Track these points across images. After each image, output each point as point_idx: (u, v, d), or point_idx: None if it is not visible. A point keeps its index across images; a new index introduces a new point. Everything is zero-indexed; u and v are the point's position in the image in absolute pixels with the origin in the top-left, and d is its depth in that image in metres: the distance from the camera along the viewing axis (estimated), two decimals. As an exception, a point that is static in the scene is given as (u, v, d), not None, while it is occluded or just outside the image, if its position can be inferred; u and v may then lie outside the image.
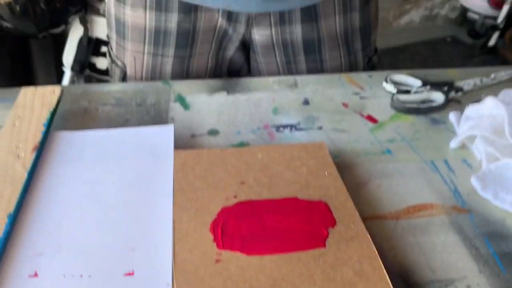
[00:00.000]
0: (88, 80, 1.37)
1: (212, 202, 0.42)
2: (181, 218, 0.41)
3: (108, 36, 0.75)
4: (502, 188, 0.46)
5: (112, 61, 0.73)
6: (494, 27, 2.49)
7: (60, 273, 0.37)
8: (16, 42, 1.32)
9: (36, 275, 0.36)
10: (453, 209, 0.45)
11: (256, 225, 0.40)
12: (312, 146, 0.49)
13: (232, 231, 0.39)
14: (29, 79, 1.40)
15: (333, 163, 0.47)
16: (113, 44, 0.72)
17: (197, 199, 0.42)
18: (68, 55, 1.32)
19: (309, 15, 0.66)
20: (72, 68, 1.33)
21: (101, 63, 1.37)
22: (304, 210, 0.41)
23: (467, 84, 0.63)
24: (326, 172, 0.46)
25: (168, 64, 0.67)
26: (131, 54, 0.68)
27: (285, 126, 0.56)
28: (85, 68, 1.35)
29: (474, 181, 0.47)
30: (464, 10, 2.67)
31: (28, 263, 0.37)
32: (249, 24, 0.66)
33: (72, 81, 1.35)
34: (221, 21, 0.66)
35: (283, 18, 0.66)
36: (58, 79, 1.37)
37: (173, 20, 0.64)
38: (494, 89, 0.63)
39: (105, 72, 1.39)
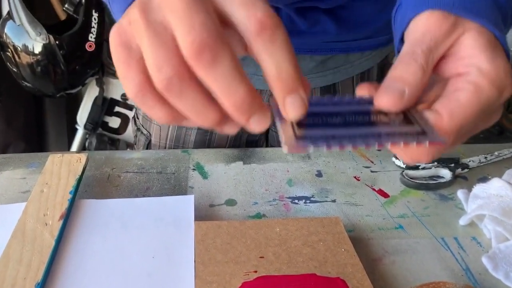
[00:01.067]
0: (100, 138, 1.40)
1: (233, 276, 0.43)
2: (204, 291, 0.42)
3: (136, 106, 0.78)
4: (513, 268, 0.47)
5: (138, 129, 0.77)
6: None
7: None
8: (31, 99, 1.36)
9: None
10: (466, 288, 0.47)
11: (277, 301, 0.41)
12: (328, 221, 0.51)
13: (253, 307, 0.40)
14: (41, 136, 1.43)
15: (349, 239, 0.48)
16: (140, 113, 0.76)
17: (219, 272, 0.44)
18: (83, 114, 1.36)
19: (328, 93, 0.70)
20: (85, 127, 1.36)
21: (114, 122, 1.41)
22: (323, 287, 0.42)
23: (472, 161, 0.65)
24: (343, 249, 0.47)
25: (192, 135, 0.71)
26: (157, 125, 0.72)
27: (300, 198, 0.58)
28: (98, 127, 1.39)
29: (485, 261, 0.49)
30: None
31: (54, 334, 0.38)
32: (270, 99, 0.70)
33: (84, 139, 1.38)
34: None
35: None
36: (69, 137, 1.41)
37: None
38: (498, 165, 0.65)
39: (117, 131, 1.42)
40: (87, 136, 1.37)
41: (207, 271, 0.44)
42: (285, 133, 0.29)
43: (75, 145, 1.36)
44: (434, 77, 0.33)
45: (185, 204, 0.52)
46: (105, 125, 1.41)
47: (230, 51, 0.26)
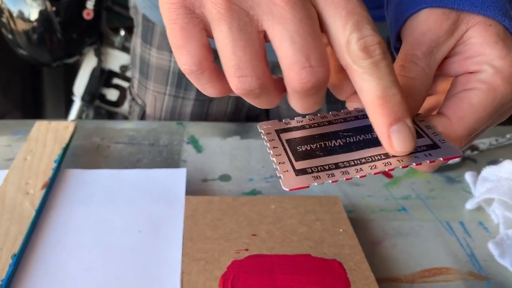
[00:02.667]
0: (97, 110, 1.37)
1: (222, 254, 0.41)
2: (190, 269, 0.39)
3: (132, 75, 0.75)
4: (521, 256, 0.45)
5: (133, 99, 0.73)
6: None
7: (61, 322, 0.35)
8: (28, 69, 1.33)
9: (36, 323, 0.35)
10: (470, 275, 0.44)
11: (267, 283, 0.38)
12: (327, 200, 0.48)
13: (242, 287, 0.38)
14: (38, 107, 1.40)
15: (348, 220, 0.46)
16: (135, 82, 0.72)
17: (208, 249, 0.41)
18: (80, 85, 1.33)
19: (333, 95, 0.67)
20: (82, 98, 1.33)
21: (111, 94, 1.38)
22: (318, 269, 0.40)
23: (482, 143, 0.62)
24: (341, 229, 0.44)
25: (188, 106, 0.67)
26: (152, 94, 0.69)
27: (298, 176, 0.55)
28: (95, 99, 1.36)
29: (491, 247, 0.46)
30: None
31: (29, 309, 0.36)
32: (273, 72, 0.67)
33: (81, 111, 1.35)
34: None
35: None
36: (67, 108, 1.38)
37: None
38: (509, 148, 0.62)
39: (115, 104, 1.39)
40: (84, 108, 1.34)
41: (196, 247, 0.41)
42: (281, 167, 0.25)
43: (71, 117, 1.33)
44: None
45: (176, 178, 0.49)
46: (102, 98, 1.38)
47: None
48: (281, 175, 0.25)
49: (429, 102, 0.33)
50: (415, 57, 0.27)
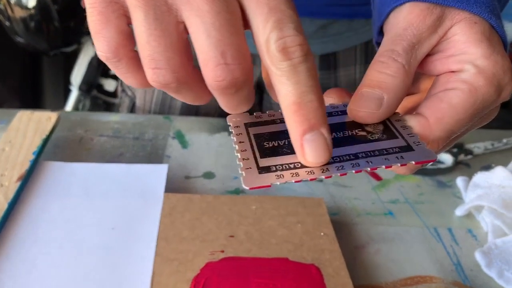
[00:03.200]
0: (94, 100, 1.36)
1: (197, 255, 0.39)
2: (162, 270, 0.38)
3: None
4: (509, 266, 0.43)
5: (123, 90, 0.72)
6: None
7: (24, 321, 0.34)
8: (28, 58, 1.32)
9: (-2, 321, 0.34)
10: (454, 285, 0.42)
11: (240, 287, 0.37)
12: (310, 201, 0.46)
13: (214, 291, 0.36)
14: (37, 96, 1.40)
15: (331, 223, 0.44)
16: None
17: (182, 250, 0.40)
18: (77, 75, 1.32)
19: (328, 62, 0.65)
20: (80, 88, 1.32)
21: (109, 84, 1.37)
22: (294, 273, 0.38)
23: (477, 147, 0.60)
24: (322, 233, 0.43)
25: (179, 100, 0.66)
26: None
27: (284, 175, 0.53)
28: (92, 89, 1.34)
29: (478, 256, 0.44)
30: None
31: (-8, 306, 0.35)
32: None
33: (78, 101, 1.34)
34: None
35: None
36: (66, 98, 1.37)
37: None
38: (505, 154, 0.60)
39: (112, 94, 1.38)
40: (81, 98, 1.33)
41: (170, 248, 0.40)
42: (244, 163, 0.24)
43: (68, 106, 1.33)
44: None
45: (157, 174, 0.48)
46: (100, 88, 1.36)
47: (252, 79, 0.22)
48: (243, 172, 0.23)
49: (411, 100, 0.31)
50: (395, 53, 0.26)
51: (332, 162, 0.24)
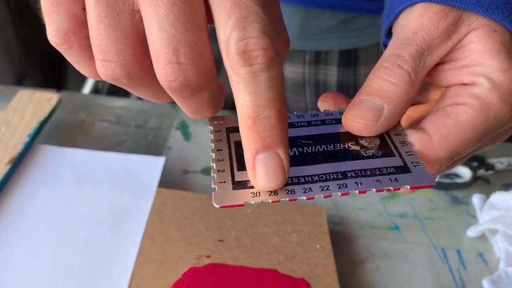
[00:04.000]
0: (113, 84, 1.35)
1: (181, 258, 0.37)
2: (142, 271, 0.36)
3: None
4: (519, 299, 0.40)
5: None
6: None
7: (-6, 313, 0.33)
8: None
9: (-32, 310, 0.33)
10: (456, 314, 0.39)
11: (222, 297, 0.35)
12: (310, 210, 0.44)
13: (193, 300, 0.34)
14: (59, 71, 1.39)
15: (329, 235, 0.41)
16: None
17: (166, 251, 0.38)
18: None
19: (348, 58, 0.62)
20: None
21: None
22: (281, 287, 0.36)
23: (500, 162, 0.56)
24: (318, 245, 0.40)
25: None
26: None
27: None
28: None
29: (486, 284, 0.41)
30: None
31: (-36, 294, 0.34)
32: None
33: (97, 81, 1.34)
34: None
35: (319, 58, 0.62)
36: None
37: None
38: (530, 172, 0.56)
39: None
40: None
41: (154, 247, 0.38)
42: (218, 176, 0.21)
43: (87, 86, 1.32)
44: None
45: (152, 167, 0.46)
46: (121, 67, 1.35)
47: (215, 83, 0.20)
48: (216, 187, 0.21)
49: (417, 111, 0.28)
50: (401, 58, 0.23)
51: (317, 180, 0.22)
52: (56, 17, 0.19)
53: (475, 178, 0.54)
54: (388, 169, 0.22)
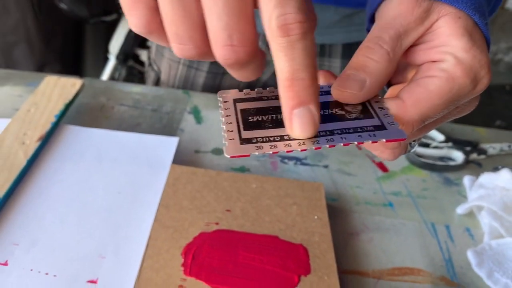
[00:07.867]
0: (130, 70, 1.40)
1: (192, 225, 0.42)
2: (158, 235, 0.41)
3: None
4: (499, 268, 0.43)
5: (149, 64, 0.75)
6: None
7: (28, 267, 0.37)
8: (71, 25, 1.37)
9: (6, 263, 0.37)
10: (441, 280, 0.43)
11: (228, 258, 0.39)
12: (310, 186, 0.48)
13: (202, 260, 0.39)
14: (77, 62, 1.45)
15: (326, 208, 0.45)
16: (153, 48, 0.74)
17: (180, 218, 0.42)
18: (115, 44, 1.36)
19: (351, 51, 0.65)
20: (117, 57, 1.36)
21: (145, 55, 1.40)
22: (282, 252, 0.40)
23: (492, 147, 0.59)
24: (316, 216, 0.44)
25: (201, 77, 0.68)
26: (167, 62, 0.70)
27: (290, 158, 0.55)
28: (129, 59, 1.38)
29: (470, 255, 0.45)
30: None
31: (3, 251, 0.38)
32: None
33: (115, 69, 1.39)
34: (260, 45, 0.66)
35: (323, 50, 0.65)
36: (104, 66, 1.41)
37: None
38: (521, 157, 0.59)
39: (148, 65, 1.42)
40: (118, 66, 1.38)
41: (168, 215, 0.43)
42: (228, 134, 0.26)
43: (105, 74, 1.37)
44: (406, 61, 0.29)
45: (167, 146, 0.50)
46: (136, 58, 1.40)
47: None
48: (226, 142, 0.26)
49: (397, 90, 0.33)
50: (382, 40, 0.27)
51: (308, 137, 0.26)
52: (137, 12, 0.24)
53: (467, 162, 0.57)
54: (368, 127, 0.27)
